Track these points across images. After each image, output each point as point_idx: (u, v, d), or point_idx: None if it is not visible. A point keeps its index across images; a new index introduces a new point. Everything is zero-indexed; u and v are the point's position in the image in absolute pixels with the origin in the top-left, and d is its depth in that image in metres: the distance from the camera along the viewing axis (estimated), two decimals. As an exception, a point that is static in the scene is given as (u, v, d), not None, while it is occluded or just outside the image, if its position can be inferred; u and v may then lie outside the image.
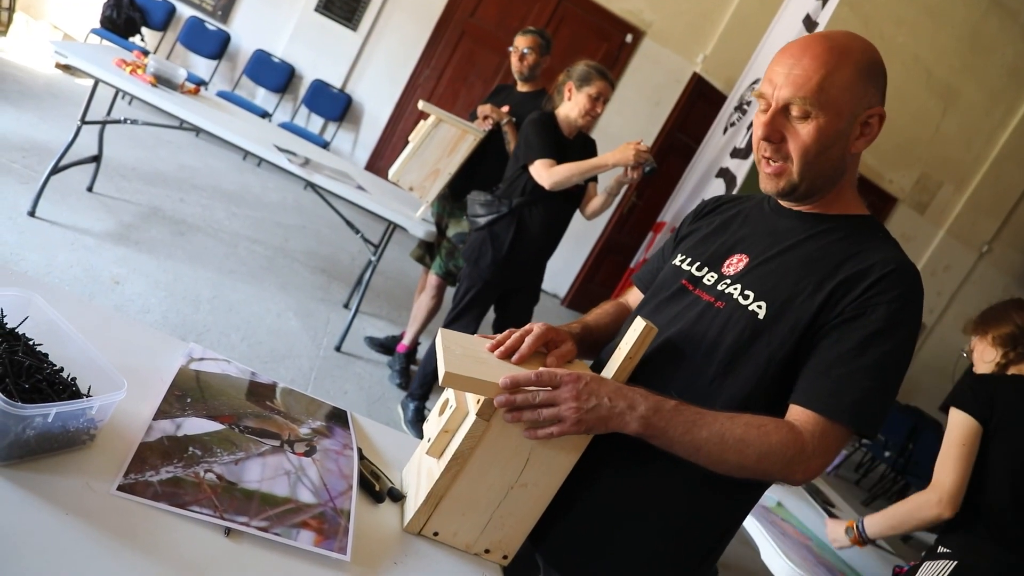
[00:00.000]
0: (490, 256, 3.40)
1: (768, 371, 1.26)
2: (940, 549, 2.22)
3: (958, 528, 2.20)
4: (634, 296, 1.61)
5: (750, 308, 1.28)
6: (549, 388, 1.17)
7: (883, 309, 1.20)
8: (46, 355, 1.05)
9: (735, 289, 1.32)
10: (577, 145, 3.41)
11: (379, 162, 7.23)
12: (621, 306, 1.62)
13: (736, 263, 1.36)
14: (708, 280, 1.37)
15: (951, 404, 2.26)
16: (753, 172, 4.80)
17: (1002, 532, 2.14)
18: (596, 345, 1.53)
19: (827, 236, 1.31)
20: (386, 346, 4.32)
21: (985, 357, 2.40)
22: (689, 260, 1.43)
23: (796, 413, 1.22)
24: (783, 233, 1.35)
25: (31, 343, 1.05)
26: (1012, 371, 2.33)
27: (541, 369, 1.18)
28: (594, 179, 3.45)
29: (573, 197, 3.44)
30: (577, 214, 3.55)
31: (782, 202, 1.39)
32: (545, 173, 3.20)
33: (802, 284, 1.26)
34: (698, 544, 1.37)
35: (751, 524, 2.42)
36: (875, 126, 1.28)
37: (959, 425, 2.20)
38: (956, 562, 2.14)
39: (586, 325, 1.53)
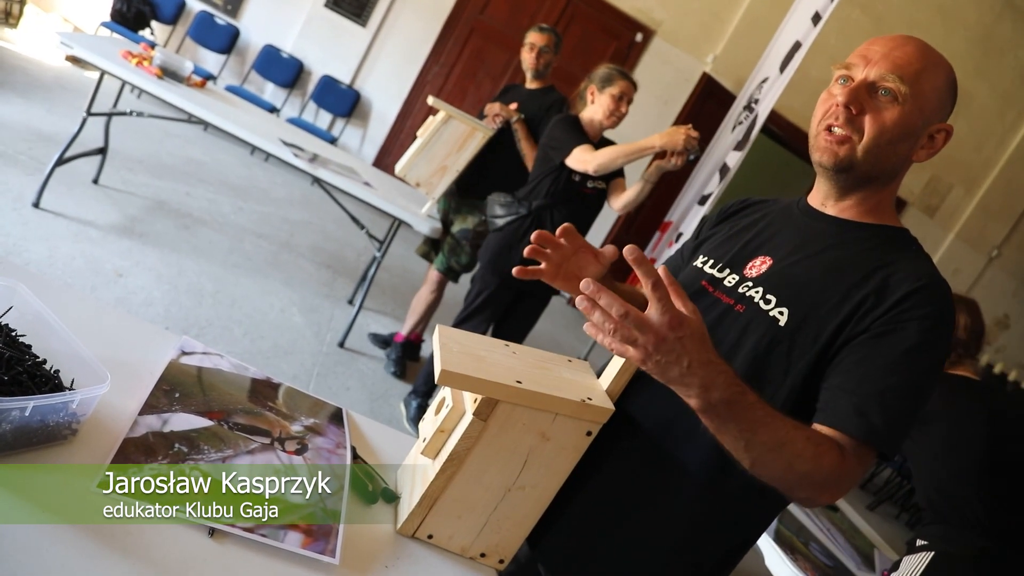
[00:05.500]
0: (506, 259, 3.36)
1: (787, 382, 1.19)
2: (918, 542, 2.26)
3: (935, 521, 2.25)
4: None
5: (771, 314, 1.22)
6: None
7: (915, 326, 1.13)
8: (29, 347, 1.02)
9: (756, 292, 1.25)
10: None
11: (387, 158, 7.20)
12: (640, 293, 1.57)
13: (759, 265, 1.29)
14: (729, 282, 1.30)
15: None
16: (746, 163, 4.75)
17: (971, 519, 2.19)
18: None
19: (858, 244, 1.24)
20: (390, 343, 4.29)
21: None
22: (711, 262, 1.36)
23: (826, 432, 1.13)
24: (812, 237, 1.28)
25: (13, 334, 1.02)
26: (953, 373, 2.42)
27: (630, 310, 0.96)
28: (620, 173, 3.39)
29: (594, 200, 3.40)
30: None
31: (814, 204, 1.33)
32: (588, 156, 3.13)
33: (827, 293, 1.20)
34: (707, 554, 1.31)
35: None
36: (939, 141, 1.25)
37: None
38: (933, 553, 2.18)
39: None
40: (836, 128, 1.21)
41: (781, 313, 1.21)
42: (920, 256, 1.24)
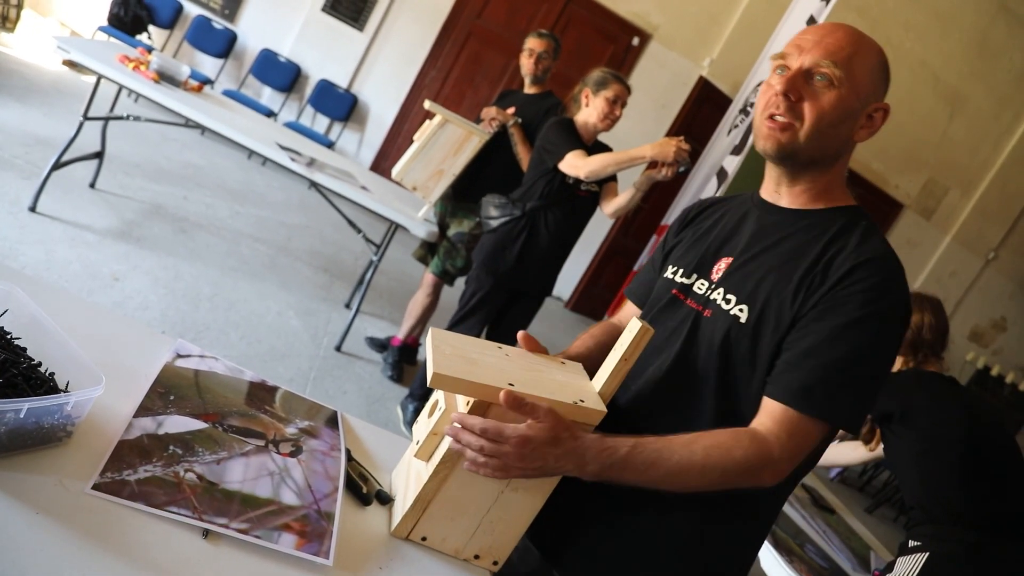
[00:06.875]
0: (499, 259, 3.37)
1: (755, 374, 1.24)
2: (911, 543, 2.27)
3: (925, 521, 2.27)
4: (628, 311, 1.59)
5: (732, 312, 1.27)
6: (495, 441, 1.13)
7: (857, 299, 1.18)
8: (24, 349, 1.03)
9: (719, 294, 1.31)
10: (596, 152, 3.37)
11: (384, 162, 7.21)
12: (610, 327, 1.58)
13: (722, 267, 1.34)
14: (699, 288, 1.35)
15: None
16: (744, 168, 4.79)
17: (960, 515, 2.21)
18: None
19: (809, 231, 1.29)
20: (387, 347, 4.29)
21: None
22: (681, 271, 1.41)
23: (768, 406, 1.20)
24: (766, 230, 1.33)
25: (9, 337, 1.02)
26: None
27: (489, 423, 1.12)
28: (613, 178, 3.41)
29: (587, 203, 3.41)
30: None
31: (767, 196, 1.37)
32: (580, 163, 3.15)
33: (781, 283, 1.25)
34: (715, 555, 1.35)
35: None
36: (878, 120, 1.29)
37: None
38: (928, 553, 2.19)
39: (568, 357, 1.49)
40: (778, 116, 1.25)
41: (741, 311, 1.26)
42: (869, 233, 1.27)
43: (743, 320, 1.25)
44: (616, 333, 1.54)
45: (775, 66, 1.28)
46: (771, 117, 1.26)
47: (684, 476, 1.15)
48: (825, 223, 1.28)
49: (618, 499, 1.30)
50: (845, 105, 1.23)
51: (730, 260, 1.33)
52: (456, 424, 1.14)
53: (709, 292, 1.33)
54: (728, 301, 1.28)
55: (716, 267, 1.35)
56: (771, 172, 1.36)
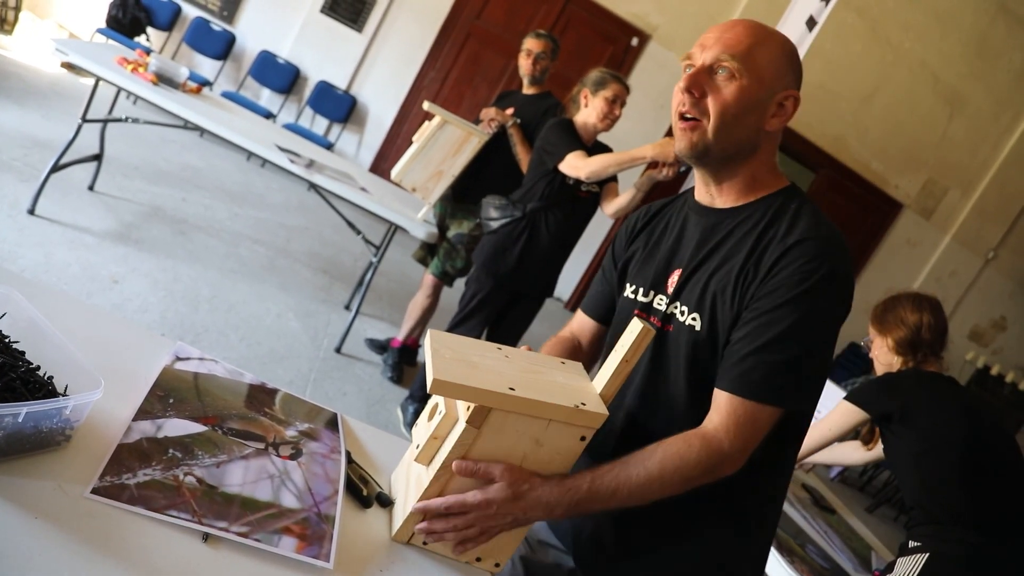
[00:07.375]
0: (500, 261, 3.37)
1: None
2: (911, 543, 2.27)
3: (925, 521, 2.27)
4: (578, 322, 1.61)
5: (687, 323, 1.30)
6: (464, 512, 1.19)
7: (788, 283, 1.21)
8: (22, 353, 1.02)
9: (675, 308, 1.34)
10: (596, 152, 3.37)
11: (383, 164, 7.21)
12: (562, 342, 1.58)
13: (675, 279, 1.37)
14: (659, 304, 1.38)
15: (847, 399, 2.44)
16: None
17: (961, 515, 2.21)
18: None
19: (741, 228, 1.31)
20: (387, 348, 4.29)
21: (882, 360, 2.51)
22: (640, 290, 1.43)
23: (715, 399, 1.24)
24: (706, 235, 1.35)
25: (7, 340, 1.02)
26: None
27: (449, 499, 1.18)
28: (614, 178, 3.40)
29: (588, 204, 3.40)
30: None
31: (703, 199, 1.39)
32: (581, 163, 3.14)
33: (723, 283, 1.28)
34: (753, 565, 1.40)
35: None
36: (790, 108, 1.32)
37: (845, 414, 2.42)
38: (928, 553, 2.20)
39: None
40: (686, 114, 1.28)
41: (695, 320, 1.30)
42: (798, 215, 1.29)
43: (698, 329, 1.29)
44: (570, 347, 1.57)
45: (684, 67, 1.31)
46: (681, 117, 1.29)
47: (648, 490, 1.20)
48: (757, 215, 1.31)
49: (661, 524, 1.34)
50: (747, 95, 1.26)
51: (680, 271, 1.36)
52: (426, 516, 1.19)
53: (668, 307, 1.36)
54: (683, 313, 1.32)
55: (670, 280, 1.38)
56: (698, 175, 1.38)
